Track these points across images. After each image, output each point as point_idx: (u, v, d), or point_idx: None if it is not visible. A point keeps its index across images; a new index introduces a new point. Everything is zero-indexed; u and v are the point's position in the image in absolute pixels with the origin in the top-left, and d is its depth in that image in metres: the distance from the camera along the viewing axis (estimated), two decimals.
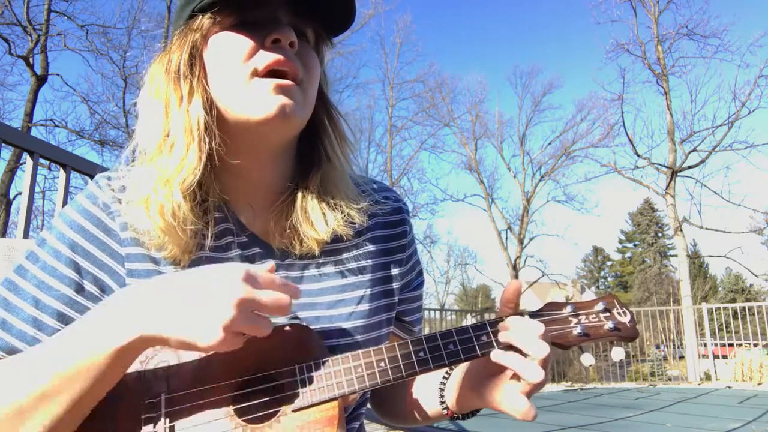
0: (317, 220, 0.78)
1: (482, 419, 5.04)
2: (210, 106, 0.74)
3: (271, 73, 0.71)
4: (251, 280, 0.60)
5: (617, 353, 0.76)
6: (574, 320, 0.73)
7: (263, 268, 0.63)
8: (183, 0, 0.76)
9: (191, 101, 0.72)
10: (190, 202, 0.72)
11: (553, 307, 0.74)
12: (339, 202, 0.79)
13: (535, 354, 0.65)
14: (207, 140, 0.72)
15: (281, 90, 0.71)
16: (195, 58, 0.74)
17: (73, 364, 0.59)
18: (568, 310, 0.73)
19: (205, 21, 0.73)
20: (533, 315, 0.72)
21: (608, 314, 0.74)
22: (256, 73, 0.71)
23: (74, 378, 0.59)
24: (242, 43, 0.71)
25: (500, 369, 0.69)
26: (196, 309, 0.58)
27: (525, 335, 0.66)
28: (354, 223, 0.80)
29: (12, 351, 0.69)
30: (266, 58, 0.71)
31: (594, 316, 0.73)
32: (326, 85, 0.84)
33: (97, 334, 0.60)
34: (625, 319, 0.74)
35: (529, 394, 0.67)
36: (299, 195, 0.79)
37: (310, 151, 0.83)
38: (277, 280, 0.63)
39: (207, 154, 0.72)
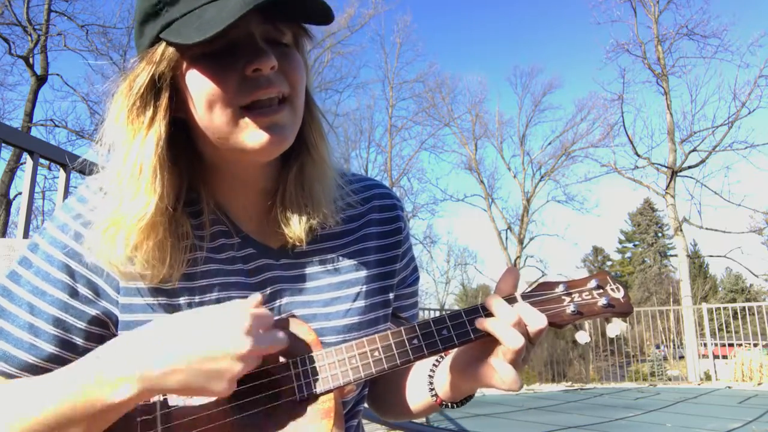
0: (297, 215, 0.77)
1: (482, 419, 5.03)
2: (172, 135, 0.71)
3: (256, 103, 0.68)
4: (255, 329, 0.61)
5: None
6: (567, 299, 0.72)
7: (258, 311, 0.63)
8: (142, 14, 0.68)
9: (148, 134, 0.69)
10: (164, 217, 0.70)
11: (545, 287, 0.74)
12: (318, 198, 0.79)
13: (508, 344, 0.65)
14: (163, 176, 0.69)
15: (270, 125, 0.68)
16: (161, 87, 0.69)
17: (69, 413, 0.59)
18: (560, 289, 0.73)
19: (169, 50, 0.67)
20: (525, 296, 0.72)
21: (601, 291, 0.74)
22: (241, 107, 0.68)
23: (67, 424, 0.60)
24: (220, 78, 0.66)
25: (487, 350, 0.69)
26: (203, 369, 0.59)
27: (499, 325, 0.67)
28: (344, 221, 0.79)
29: (9, 359, 0.68)
30: (248, 93, 0.67)
31: (587, 293, 0.73)
32: (308, 75, 0.79)
33: (97, 387, 0.59)
34: (619, 295, 0.74)
35: (513, 363, 0.67)
36: (281, 191, 0.79)
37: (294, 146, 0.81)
38: (271, 320, 0.65)
39: (167, 190, 0.69)
